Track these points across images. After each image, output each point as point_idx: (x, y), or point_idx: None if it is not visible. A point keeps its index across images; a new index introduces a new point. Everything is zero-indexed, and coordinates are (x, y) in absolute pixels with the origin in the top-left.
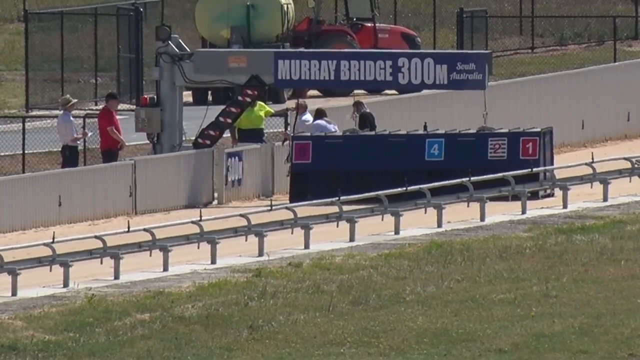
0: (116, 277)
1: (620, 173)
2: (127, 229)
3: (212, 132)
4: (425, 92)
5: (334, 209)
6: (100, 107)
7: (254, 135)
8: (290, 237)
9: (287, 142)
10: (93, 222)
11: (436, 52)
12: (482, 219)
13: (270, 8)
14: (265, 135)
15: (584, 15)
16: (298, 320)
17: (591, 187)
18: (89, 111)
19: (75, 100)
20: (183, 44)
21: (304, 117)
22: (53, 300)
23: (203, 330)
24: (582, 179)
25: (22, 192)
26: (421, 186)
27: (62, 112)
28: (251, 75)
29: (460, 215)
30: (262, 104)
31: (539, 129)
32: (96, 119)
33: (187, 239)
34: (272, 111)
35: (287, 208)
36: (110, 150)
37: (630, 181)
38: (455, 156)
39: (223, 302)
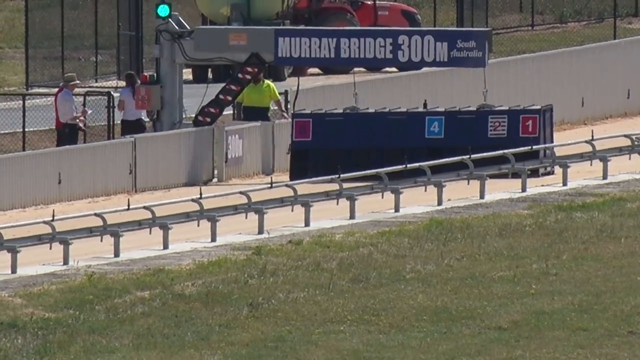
0: (116, 254)
1: (620, 150)
2: (127, 207)
3: (212, 110)
4: (425, 69)
5: (334, 186)
6: (99, 84)
7: (260, 113)
8: (290, 215)
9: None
10: (93, 200)
11: (436, 29)
12: (482, 196)
13: None
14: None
15: None
16: (298, 298)
17: (591, 165)
18: (89, 89)
19: (78, 82)
20: (183, 21)
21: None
22: (53, 278)
23: (203, 308)
24: (582, 157)
25: (22, 169)
26: (421, 164)
27: (62, 90)
28: (251, 53)
29: (460, 193)
30: (272, 86)
31: (539, 107)
32: (96, 97)
33: (187, 216)
34: (279, 99)
35: (287, 185)
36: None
37: (630, 159)
38: (455, 134)
39: (223, 280)
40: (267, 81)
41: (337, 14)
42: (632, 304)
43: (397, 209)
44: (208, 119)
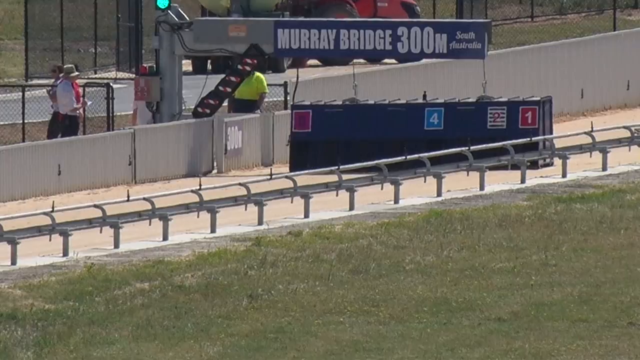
0: (116, 246)
1: (619, 142)
2: (126, 198)
3: (211, 101)
4: (424, 61)
5: (334, 178)
6: (99, 75)
7: (249, 105)
8: (289, 206)
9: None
10: (92, 191)
11: (436, 21)
12: (482, 188)
13: None
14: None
15: None
16: (298, 289)
17: (590, 156)
18: (88, 80)
19: (77, 73)
20: (183, 12)
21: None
22: (52, 270)
23: (202, 299)
24: (581, 148)
25: (22, 161)
26: (421, 155)
27: (62, 81)
28: (250, 45)
29: (460, 185)
30: (261, 78)
31: (538, 98)
32: (95, 88)
33: (187, 208)
34: (267, 91)
35: (286, 177)
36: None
37: (629, 150)
38: (455, 125)
39: (223, 271)
40: (257, 73)
41: (336, 5)
42: (631, 295)
43: (396, 201)
44: (207, 111)
